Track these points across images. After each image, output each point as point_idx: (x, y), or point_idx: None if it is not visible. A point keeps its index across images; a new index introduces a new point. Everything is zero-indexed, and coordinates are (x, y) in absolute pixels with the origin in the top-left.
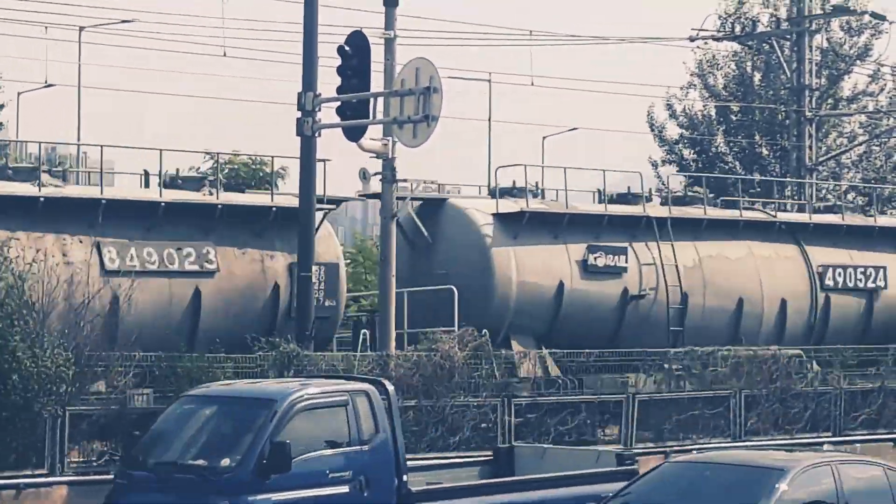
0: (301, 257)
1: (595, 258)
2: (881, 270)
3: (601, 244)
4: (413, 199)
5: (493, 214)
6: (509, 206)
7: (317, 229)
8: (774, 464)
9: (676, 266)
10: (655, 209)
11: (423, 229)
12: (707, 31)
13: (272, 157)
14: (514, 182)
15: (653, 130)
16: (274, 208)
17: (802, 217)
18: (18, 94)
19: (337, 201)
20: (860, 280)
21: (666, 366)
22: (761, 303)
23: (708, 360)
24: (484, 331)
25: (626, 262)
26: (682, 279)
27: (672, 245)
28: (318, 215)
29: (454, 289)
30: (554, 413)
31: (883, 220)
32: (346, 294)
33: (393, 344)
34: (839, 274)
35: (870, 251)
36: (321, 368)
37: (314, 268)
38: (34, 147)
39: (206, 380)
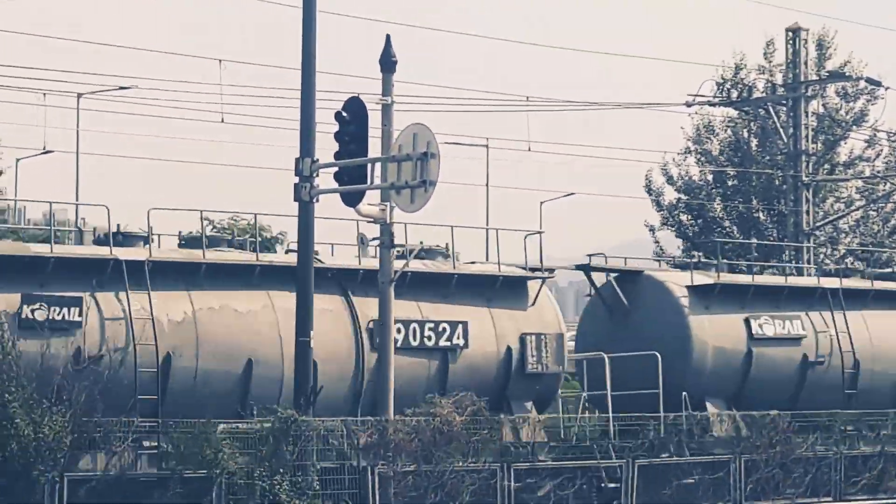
0: (299, 322)
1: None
2: None
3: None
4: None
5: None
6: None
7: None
8: None
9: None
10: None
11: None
12: (703, 96)
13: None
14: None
15: (650, 195)
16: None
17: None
18: (17, 160)
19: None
20: None
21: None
22: None
23: (708, 426)
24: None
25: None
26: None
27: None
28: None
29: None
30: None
31: None
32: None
33: (391, 408)
34: None
35: None
36: (320, 434)
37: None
38: (32, 213)
39: (206, 446)
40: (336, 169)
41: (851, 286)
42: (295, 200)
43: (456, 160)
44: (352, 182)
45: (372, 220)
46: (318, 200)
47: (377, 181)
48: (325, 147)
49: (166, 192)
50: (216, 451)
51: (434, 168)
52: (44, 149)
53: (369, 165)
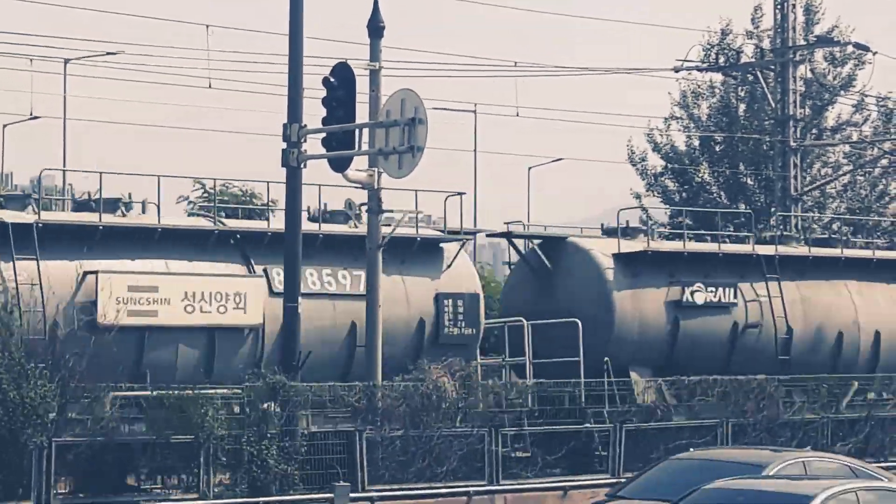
0: (287, 287)
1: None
2: None
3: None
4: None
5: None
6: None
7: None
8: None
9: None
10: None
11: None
12: (691, 61)
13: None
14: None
15: (632, 163)
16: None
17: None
18: (4, 125)
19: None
20: None
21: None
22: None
23: (696, 389)
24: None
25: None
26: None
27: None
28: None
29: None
30: (539, 444)
31: None
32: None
33: (379, 374)
34: None
35: None
36: (308, 399)
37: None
38: (20, 178)
39: (193, 411)
40: (324, 135)
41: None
42: (283, 166)
43: (444, 126)
44: (339, 148)
45: (360, 185)
46: (305, 166)
47: (365, 147)
48: (313, 113)
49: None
50: (203, 416)
51: (422, 134)
52: (31, 114)
53: (357, 131)
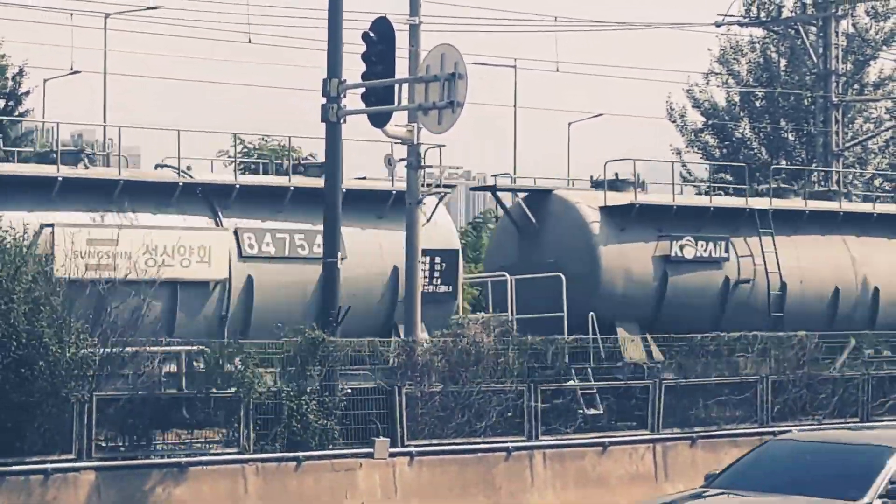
0: (327, 243)
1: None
2: None
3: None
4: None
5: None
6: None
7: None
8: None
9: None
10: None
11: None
12: (732, 16)
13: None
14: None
15: (671, 119)
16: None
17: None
18: (44, 80)
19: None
20: None
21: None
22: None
23: (735, 346)
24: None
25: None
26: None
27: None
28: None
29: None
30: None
31: None
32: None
33: (419, 329)
34: None
35: None
36: (347, 355)
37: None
38: (61, 133)
39: (235, 368)
40: (363, 90)
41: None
42: (322, 121)
43: (483, 81)
44: (379, 103)
45: (399, 140)
46: (345, 121)
47: (404, 102)
48: (353, 68)
49: (193, 113)
50: (243, 371)
51: (461, 89)
52: (71, 69)
53: (396, 86)
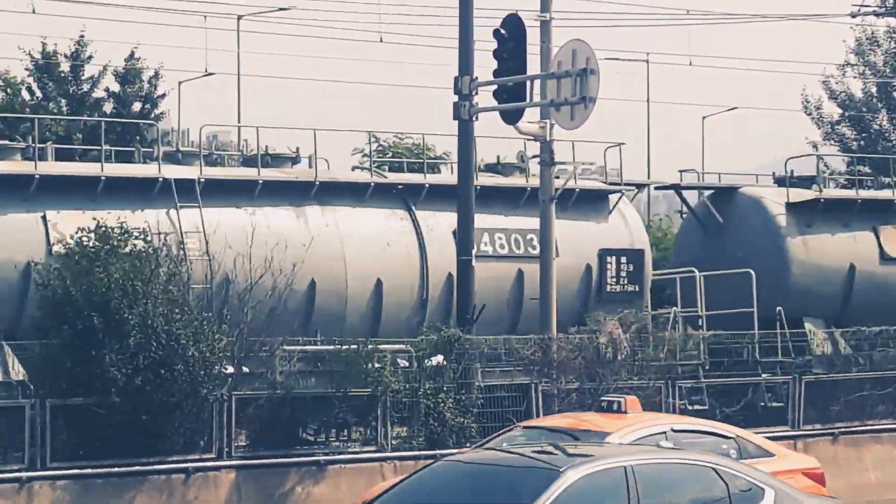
0: (460, 240)
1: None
2: None
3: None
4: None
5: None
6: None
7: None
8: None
9: None
10: None
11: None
12: (868, 6)
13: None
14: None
15: (807, 111)
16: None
17: None
18: (179, 83)
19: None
20: None
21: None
22: None
23: (876, 341)
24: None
25: None
26: None
27: None
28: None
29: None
30: (716, 396)
31: None
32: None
33: (554, 326)
34: None
35: None
36: (483, 352)
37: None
38: (195, 135)
39: (371, 367)
40: (495, 87)
41: None
42: (454, 119)
43: (615, 76)
44: (511, 100)
45: (532, 137)
46: (477, 118)
47: (536, 98)
48: (484, 65)
49: (325, 112)
50: (380, 370)
51: (594, 84)
52: (205, 71)
53: (528, 83)
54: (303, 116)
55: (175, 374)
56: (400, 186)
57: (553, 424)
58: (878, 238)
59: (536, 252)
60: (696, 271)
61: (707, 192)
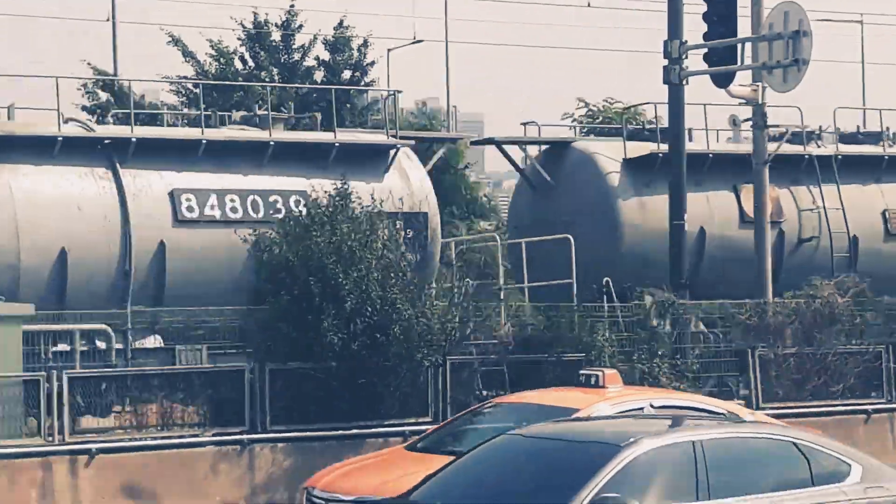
0: (673, 205)
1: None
2: None
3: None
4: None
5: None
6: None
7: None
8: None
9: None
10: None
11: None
12: None
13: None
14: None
15: None
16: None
17: None
18: (388, 50)
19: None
20: None
21: None
22: None
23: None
24: (606, 280)
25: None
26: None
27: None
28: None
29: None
30: None
31: None
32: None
33: (770, 290)
34: None
35: None
36: (698, 316)
37: None
38: (405, 102)
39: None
40: (705, 50)
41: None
42: (664, 83)
43: (828, 38)
44: (721, 63)
45: (744, 101)
46: (687, 83)
47: (747, 61)
48: (693, 29)
49: (534, 78)
50: (592, 334)
51: (807, 46)
52: (414, 38)
53: (739, 46)
54: (505, 83)
55: (391, 338)
56: (107, 141)
57: (524, 401)
58: (738, 198)
59: None
60: (498, 238)
61: (544, 148)
